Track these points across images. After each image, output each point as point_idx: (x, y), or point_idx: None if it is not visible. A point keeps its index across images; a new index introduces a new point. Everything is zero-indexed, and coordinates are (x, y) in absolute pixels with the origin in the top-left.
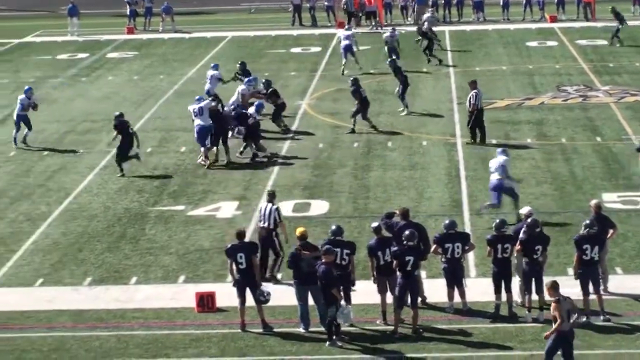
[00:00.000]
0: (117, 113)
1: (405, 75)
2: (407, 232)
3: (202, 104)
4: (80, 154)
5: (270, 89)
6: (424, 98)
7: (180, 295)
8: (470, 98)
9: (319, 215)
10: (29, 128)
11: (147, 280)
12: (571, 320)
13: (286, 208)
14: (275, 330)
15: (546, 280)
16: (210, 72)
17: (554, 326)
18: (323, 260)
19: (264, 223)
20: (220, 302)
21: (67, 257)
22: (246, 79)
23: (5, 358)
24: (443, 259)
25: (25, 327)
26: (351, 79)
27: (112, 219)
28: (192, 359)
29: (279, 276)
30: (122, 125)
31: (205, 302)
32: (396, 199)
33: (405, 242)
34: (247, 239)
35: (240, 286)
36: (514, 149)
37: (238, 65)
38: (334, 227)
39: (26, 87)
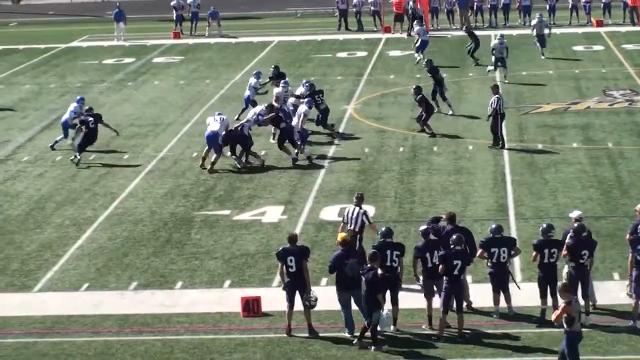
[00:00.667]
0: (87, 107)
1: (442, 76)
2: (454, 237)
3: (223, 117)
4: (126, 159)
5: (310, 92)
6: (470, 102)
7: (226, 299)
8: (492, 103)
9: None
10: (65, 135)
11: (193, 285)
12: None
13: (332, 212)
14: (320, 335)
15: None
16: (251, 80)
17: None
18: (369, 265)
19: (351, 226)
20: (265, 307)
21: (113, 262)
22: (282, 82)
23: None
24: (489, 264)
25: (71, 332)
26: (414, 87)
27: (158, 224)
28: None
29: None
30: (85, 121)
31: (251, 306)
32: (442, 203)
33: (452, 246)
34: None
35: (289, 290)
36: (560, 153)
37: (272, 69)
38: (383, 229)
39: (78, 97)
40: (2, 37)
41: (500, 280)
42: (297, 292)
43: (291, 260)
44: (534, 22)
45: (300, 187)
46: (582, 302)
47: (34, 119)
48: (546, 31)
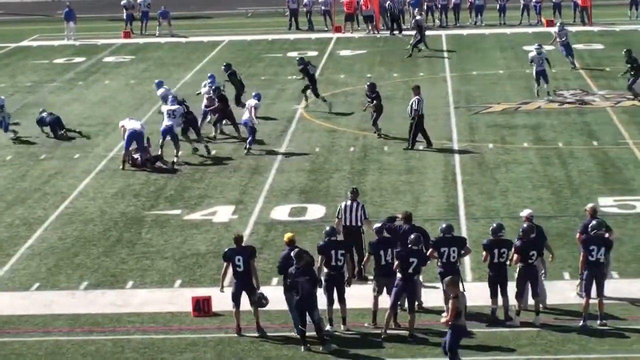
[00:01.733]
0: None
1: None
2: (412, 236)
3: (175, 107)
4: (76, 158)
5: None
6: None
7: (177, 299)
8: (412, 104)
9: (316, 219)
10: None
11: (144, 285)
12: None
13: (282, 212)
14: (271, 334)
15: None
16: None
17: (444, 319)
18: (298, 265)
19: (351, 221)
20: (216, 307)
21: (64, 262)
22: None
23: None
24: (439, 263)
25: (21, 331)
26: (369, 84)
27: (109, 223)
28: None
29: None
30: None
31: (202, 306)
32: (392, 203)
33: (410, 245)
34: (244, 244)
35: (236, 290)
36: (510, 153)
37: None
38: (327, 228)
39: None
40: None
41: None
42: (245, 292)
43: (239, 260)
44: (555, 29)
45: (251, 186)
46: (531, 301)
47: None
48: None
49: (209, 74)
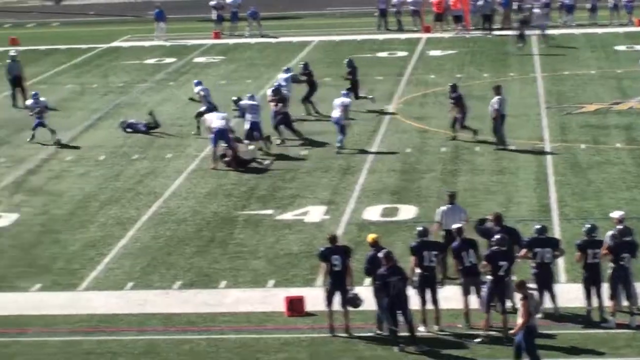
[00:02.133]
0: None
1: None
2: (498, 237)
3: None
4: (168, 158)
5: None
6: (511, 103)
7: (270, 299)
8: (493, 104)
9: (407, 220)
10: (35, 126)
11: (237, 284)
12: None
13: (374, 213)
14: (364, 335)
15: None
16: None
17: (520, 322)
18: (387, 265)
19: (449, 225)
20: (309, 307)
21: (157, 261)
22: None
23: None
24: (533, 264)
25: (116, 330)
26: (451, 85)
27: (201, 223)
28: None
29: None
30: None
31: (295, 306)
32: (484, 203)
33: (497, 247)
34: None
35: (331, 289)
36: (603, 153)
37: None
38: (420, 229)
39: (33, 92)
40: (44, 38)
41: (544, 280)
42: (338, 292)
43: (336, 260)
44: None
45: (343, 187)
46: (625, 303)
47: (77, 118)
48: None
49: (194, 81)
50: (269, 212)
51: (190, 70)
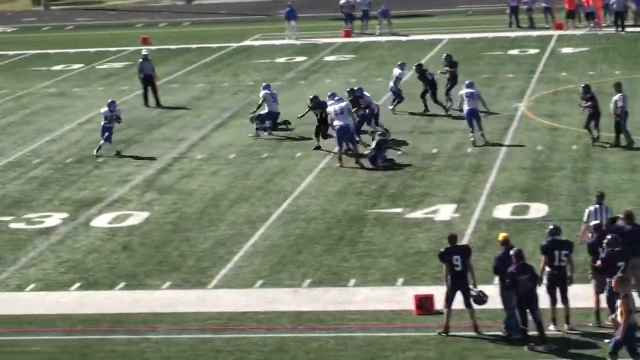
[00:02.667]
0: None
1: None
2: (610, 237)
3: (343, 104)
4: (298, 157)
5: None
6: None
7: (399, 297)
8: (616, 101)
9: (538, 218)
10: (106, 139)
11: (366, 283)
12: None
13: (504, 211)
14: (493, 334)
15: None
16: (395, 71)
17: (621, 321)
18: (518, 264)
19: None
20: (438, 305)
21: (286, 259)
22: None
23: (227, 358)
24: None
25: (245, 328)
26: (583, 86)
27: (331, 222)
28: None
29: None
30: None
31: (424, 304)
32: (616, 202)
33: (611, 248)
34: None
35: (452, 289)
36: None
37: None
38: (551, 227)
39: (109, 100)
40: (176, 37)
41: None
42: (460, 291)
43: (457, 260)
44: None
45: (473, 185)
46: None
47: (208, 117)
48: None
49: (263, 84)
50: (399, 210)
51: (320, 69)
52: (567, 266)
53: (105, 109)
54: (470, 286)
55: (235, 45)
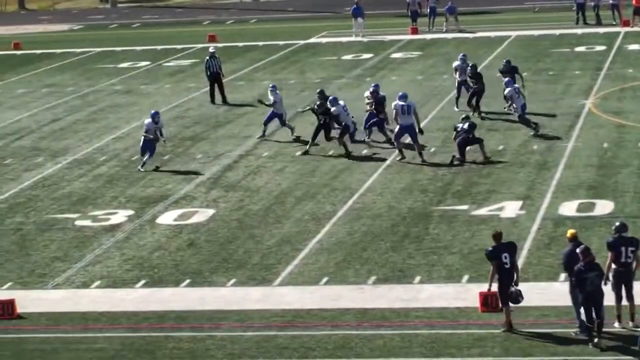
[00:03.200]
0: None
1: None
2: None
3: (408, 101)
4: (364, 154)
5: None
6: None
7: (464, 294)
8: None
9: (604, 215)
10: (151, 153)
11: (431, 280)
12: None
13: (570, 208)
14: (558, 330)
15: None
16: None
17: None
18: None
19: None
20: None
21: (352, 256)
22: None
23: (292, 355)
24: None
25: (310, 325)
26: None
27: (396, 219)
28: (475, 359)
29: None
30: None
31: (490, 302)
32: None
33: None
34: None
35: (505, 286)
36: None
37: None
38: (617, 224)
39: (153, 112)
40: (243, 34)
41: None
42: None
43: (506, 257)
44: None
45: (539, 182)
46: None
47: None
48: None
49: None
50: (464, 207)
51: (387, 66)
52: (633, 263)
53: (149, 120)
54: (513, 284)
55: (301, 42)
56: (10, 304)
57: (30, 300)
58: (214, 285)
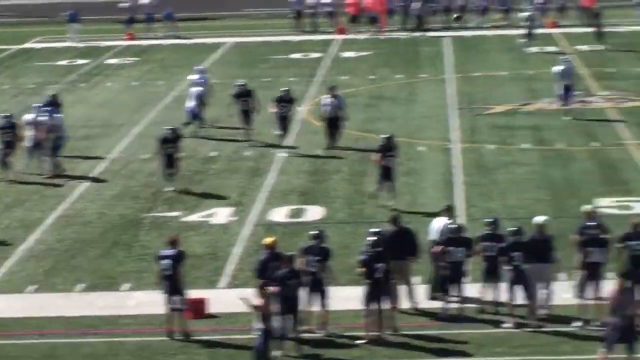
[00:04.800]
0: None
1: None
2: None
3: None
4: (77, 161)
5: None
6: (422, 103)
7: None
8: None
9: (314, 221)
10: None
11: (140, 286)
12: None
13: (280, 214)
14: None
15: None
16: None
17: None
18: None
19: None
20: (214, 308)
21: (61, 264)
22: None
23: None
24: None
25: (17, 334)
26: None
27: (107, 226)
28: None
29: None
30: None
31: (196, 307)
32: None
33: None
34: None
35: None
36: (511, 154)
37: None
38: (315, 232)
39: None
40: None
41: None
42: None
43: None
44: None
45: (250, 188)
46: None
47: None
48: None
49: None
50: (176, 214)
51: (102, 72)
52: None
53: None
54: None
55: (16, 47)
56: None
57: None
58: None
